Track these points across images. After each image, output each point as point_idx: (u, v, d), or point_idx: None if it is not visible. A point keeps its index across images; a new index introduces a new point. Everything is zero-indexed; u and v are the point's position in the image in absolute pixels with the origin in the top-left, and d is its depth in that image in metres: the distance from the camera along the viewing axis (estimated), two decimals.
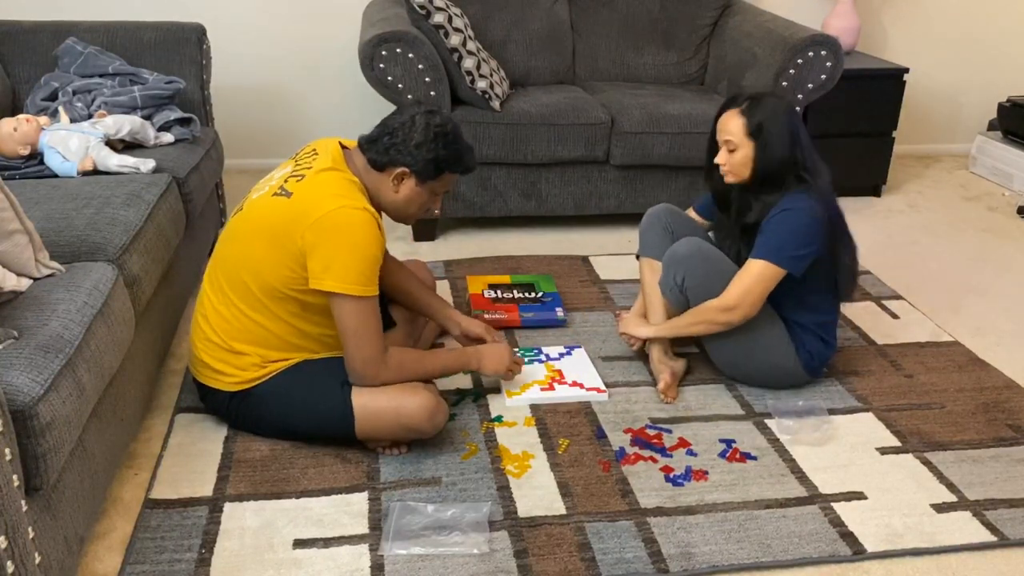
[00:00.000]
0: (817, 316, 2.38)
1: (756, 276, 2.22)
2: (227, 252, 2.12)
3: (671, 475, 2.12)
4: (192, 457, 2.14)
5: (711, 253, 2.34)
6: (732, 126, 2.20)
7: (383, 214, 2.14)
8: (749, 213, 2.28)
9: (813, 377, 2.47)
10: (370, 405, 2.05)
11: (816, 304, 2.37)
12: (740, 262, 2.30)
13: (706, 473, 2.14)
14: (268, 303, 2.05)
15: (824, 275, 2.31)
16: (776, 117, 2.19)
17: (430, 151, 2.05)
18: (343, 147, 2.13)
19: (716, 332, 2.32)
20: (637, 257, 2.63)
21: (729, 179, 2.27)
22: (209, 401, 2.21)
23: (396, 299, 2.43)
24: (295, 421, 2.12)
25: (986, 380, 2.58)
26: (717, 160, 2.27)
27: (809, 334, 2.38)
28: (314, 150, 2.13)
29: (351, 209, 1.98)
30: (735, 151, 2.21)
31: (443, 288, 3.02)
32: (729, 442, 2.25)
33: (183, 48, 3.09)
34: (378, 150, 2.07)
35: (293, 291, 2.02)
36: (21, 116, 2.63)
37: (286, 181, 2.08)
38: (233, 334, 2.08)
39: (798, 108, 3.47)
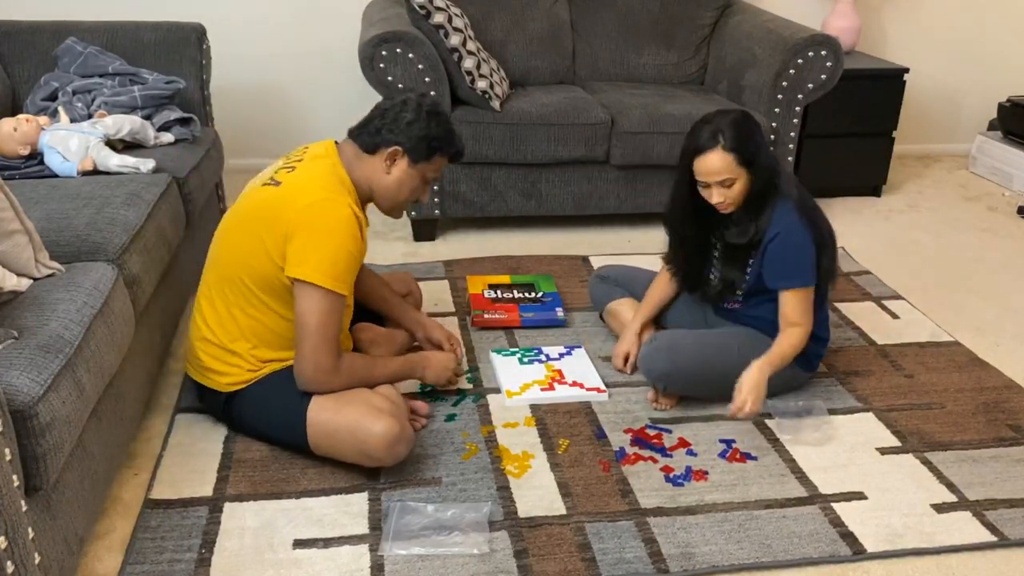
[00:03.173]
0: (815, 316, 2.37)
1: (801, 300, 2.25)
2: (220, 248, 2.13)
3: (671, 475, 2.12)
4: (192, 457, 2.14)
5: (681, 346, 2.34)
6: (722, 164, 2.14)
7: (370, 217, 2.14)
8: (740, 234, 2.26)
9: (811, 372, 2.47)
10: (329, 424, 2.00)
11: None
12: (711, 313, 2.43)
13: (706, 473, 2.13)
14: (262, 296, 2.04)
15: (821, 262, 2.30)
16: (752, 137, 2.17)
17: (422, 129, 2.05)
18: (337, 144, 2.14)
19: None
20: (601, 318, 2.75)
21: (729, 210, 2.24)
22: (207, 401, 2.22)
23: (367, 304, 2.42)
24: (264, 428, 2.12)
25: (986, 380, 2.58)
26: (712, 200, 2.20)
27: None
28: (306, 147, 2.15)
29: (334, 203, 1.99)
30: (732, 185, 2.17)
31: (443, 288, 3.02)
32: (729, 442, 2.25)
33: (183, 48, 3.09)
34: (369, 132, 2.07)
35: (283, 281, 2.01)
36: (21, 116, 2.63)
37: (276, 172, 2.10)
38: (230, 331, 2.09)
39: (798, 109, 3.48)
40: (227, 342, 2.09)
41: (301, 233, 1.96)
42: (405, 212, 3.37)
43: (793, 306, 2.26)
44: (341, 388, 2.04)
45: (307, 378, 2.00)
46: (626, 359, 2.52)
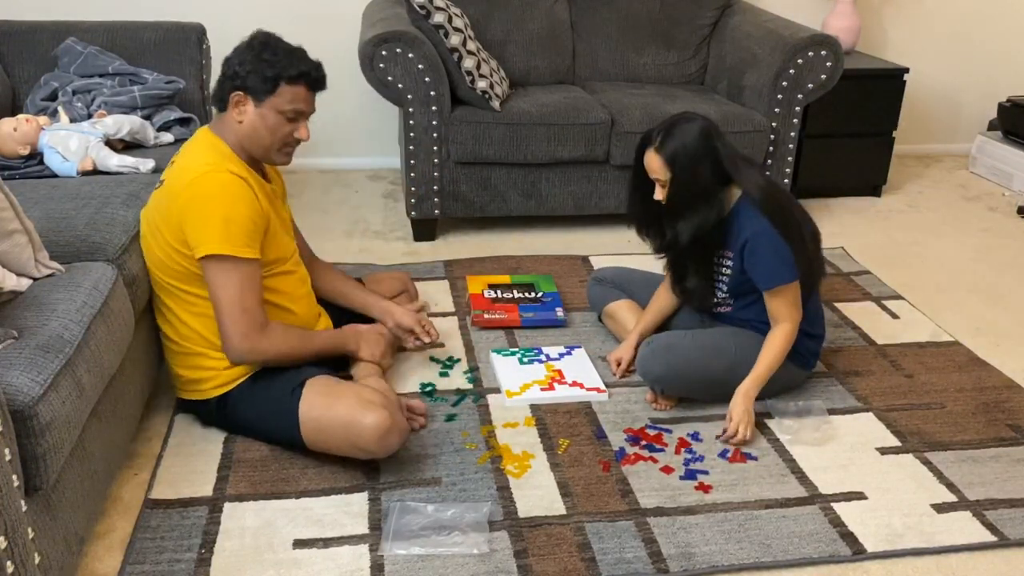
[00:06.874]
0: (807, 315, 2.37)
1: (789, 297, 2.26)
2: (145, 262, 2.14)
3: (688, 464, 2.12)
4: (192, 457, 2.14)
5: (677, 348, 2.35)
6: (654, 164, 2.23)
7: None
8: (677, 235, 2.29)
9: (808, 371, 2.47)
10: (321, 419, 2.00)
11: (806, 302, 2.37)
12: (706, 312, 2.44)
13: (706, 473, 2.14)
14: (191, 290, 2.06)
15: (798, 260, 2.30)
16: (687, 143, 2.21)
17: (253, 63, 1.99)
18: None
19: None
20: (599, 319, 2.75)
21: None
22: (200, 415, 2.22)
23: (331, 300, 2.42)
24: (260, 426, 2.12)
25: (986, 380, 2.58)
26: (656, 196, 2.28)
27: (798, 335, 2.37)
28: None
29: (214, 173, 1.98)
30: (665, 185, 2.25)
31: (443, 288, 3.02)
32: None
33: (183, 48, 3.09)
34: (216, 88, 2.06)
35: (198, 270, 2.02)
36: (21, 116, 2.63)
37: (163, 174, 2.13)
38: (189, 335, 2.10)
39: (797, 109, 3.48)
40: (193, 347, 2.11)
41: (188, 214, 1.97)
42: (405, 213, 3.39)
43: (777, 304, 2.27)
44: (276, 356, 2.04)
45: (235, 349, 2.00)
46: (618, 364, 2.52)
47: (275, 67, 2.00)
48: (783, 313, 2.28)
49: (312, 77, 2.07)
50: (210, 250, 1.95)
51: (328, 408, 2.00)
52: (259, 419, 2.10)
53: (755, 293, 2.31)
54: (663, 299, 2.53)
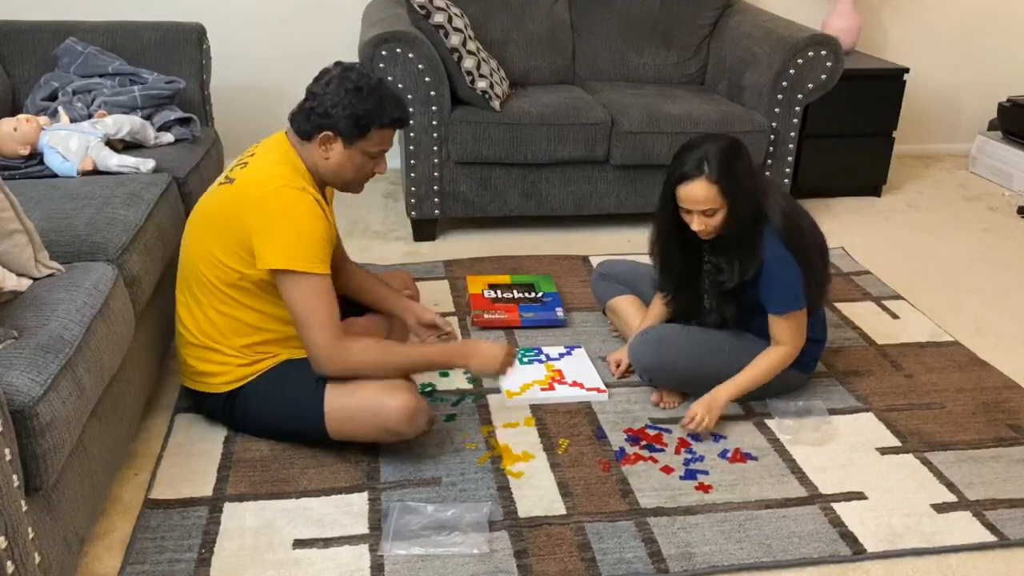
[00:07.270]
0: (813, 322, 2.37)
1: (795, 323, 2.25)
2: (186, 252, 2.14)
3: (688, 464, 2.12)
4: (192, 457, 2.13)
5: (671, 341, 2.34)
6: (706, 194, 2.10)
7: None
8: (726, 275, 2.23)
9: (808, 374, 2.47)
10: (347, 406, 2.01)
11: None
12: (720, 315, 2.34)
13: (706, 473, 2.14)
14: (231, 292, 2.05)
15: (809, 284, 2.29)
16: (738, 167, 2.12)
17: (346, 108, 1.98)
18: (287, 132, 2.13)
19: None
20: (603, 312, 2.74)
21: (710, 236, 2.21)
22: (205, 407, 2.22)
23: (355, 296, 2.41)
24: (275, 421, 2.12)
25: (986, 380, 2.58)
26: (693, 227, 2.17)
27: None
28: (260, 142, 2.15)
29: (290, 189, 1.98)
30: (714, 215, 2.15)
31: (443, 288, 3.02)
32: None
33: (183, 48, 3.09)
34: (302, 119, 2.05)
35: (250, 276, 2.01)
36: (21, 116, 2.63)
37: (231, 170, 2.10)
38: (209, 331, 2.09)
39: (797, 109, 3.48)
40: (210, 342, 2.10)
41: (263, 225, 1.96)
42: (406, 213, 3.39)
43: (782, 327, 2.26)
44: (360, 365, 2.02)
45: (320, 362, 2.00)
46: (618, 365, 2.52)
47: (369, 115, 2.00)
48: (786, 337, 2.26)
49: (403, 121, 2.08)
50: (283, 265, 1.94)
51: (353, 394, 2.02)
52: (274, 414, 2.10)
53: (760, 308, 2.27)
54: (661, 310, 2.49)
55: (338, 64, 2.06)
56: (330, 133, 2.01)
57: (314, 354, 2.00)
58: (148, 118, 2.82)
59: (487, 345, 2.14)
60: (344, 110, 1.98)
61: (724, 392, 2.26)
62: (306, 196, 1.99)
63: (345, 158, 2.04)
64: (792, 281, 2.20)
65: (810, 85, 3.44)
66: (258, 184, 2.00)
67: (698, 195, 2.11)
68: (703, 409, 2.22)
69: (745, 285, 2.23)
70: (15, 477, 1.44)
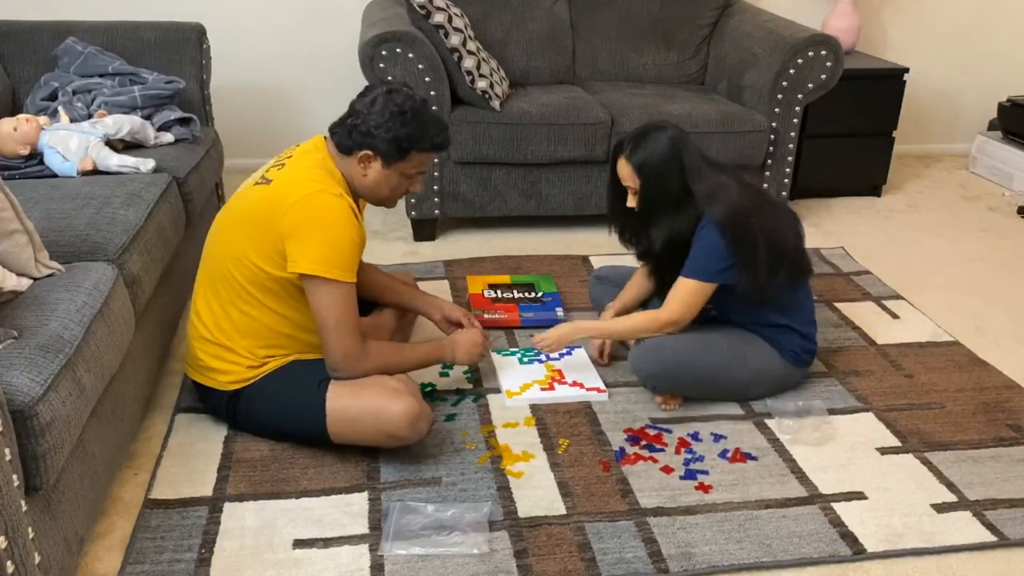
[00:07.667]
0: (796, 313, 2.37)
1: (692, 292, 2.27)
2: (214, 247, 2.14)
3: (688, 464, 2.12)
4: (192, 457, 2.14)
5: (668, 347, 2.34)
6: (625, 171, 2.28)
7: (369, 217, 2.14)
8: (652, 242, 2.33)
9: (805, 368, 2.46)
10: (350, 409, 2.02)
11: (794, 300, 2.36)
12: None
13: (706, 473, 2.14)
14: (256, 293, 2.05)
15: (787, 271, 2.29)
16: (656, 152, 2.23)
17: (389, 131, 2.00)
18: (326, 138, 2.14)
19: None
20: (599, 315, 2.73)
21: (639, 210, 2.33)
22: (209, 402, 2.22)
23: (372, 297, 2.43)
24: (277, 422, 2.12)
25: (986, 380, 2.58)
26: (628, 203, 2.32)
27: (786, 332, 2.37)
28: (297, 145, 2.15)
29: (327, 195, 1.99)
30: (636, 192, 2.28)
31: (443, 288, 3.02)
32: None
33: (183, 48, 3.09)
34: (343, 133, 2.06)
35: (278, 278, 2.02)
36: (21, 116, 2.63)
37: (268, 171, 2.11)
38: (226, 329, 2.09)
39: (797, 109, 3.48)
40: (224, 340, 2.09)
41: (298, 229, 1.96)
42: (405, 213, 3.39)
43: (675, 292, 2.29)
44: (373, 372, 2.07)
45: (338, 367, 2.03)
46: (601, 351, 2.57)
47: (411, 139, 2.03)
48: (673, 303, 2.28)
49: (444, 146, 2.12)
50: (316, 271, 1.95)
51: (356, 398, 2.03)
52: (277, 414, 2.10)
53: (735, 296, 2.27)
54: (638, 284, 2.55)
55: (383, 83, 2.09)
56: (370, 153, 2.03)
57: (334, 358, 2.02)
58: (148, 118, 2.82)
59: (464, 334, 2.32)
60: (387, 132, 2.01)
61: (586, 326, 2.43)
62: (342, 203, 2.00)
63: (383, 177, 2.07)
64: (709, 254, 2.23)
65: (810, 85, 3.44)
66: (295, 187, 2.00)
67: (620, 171, 2.30)
68: (555, 335, 2.38)
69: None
70: (15, 477, 1.44)
